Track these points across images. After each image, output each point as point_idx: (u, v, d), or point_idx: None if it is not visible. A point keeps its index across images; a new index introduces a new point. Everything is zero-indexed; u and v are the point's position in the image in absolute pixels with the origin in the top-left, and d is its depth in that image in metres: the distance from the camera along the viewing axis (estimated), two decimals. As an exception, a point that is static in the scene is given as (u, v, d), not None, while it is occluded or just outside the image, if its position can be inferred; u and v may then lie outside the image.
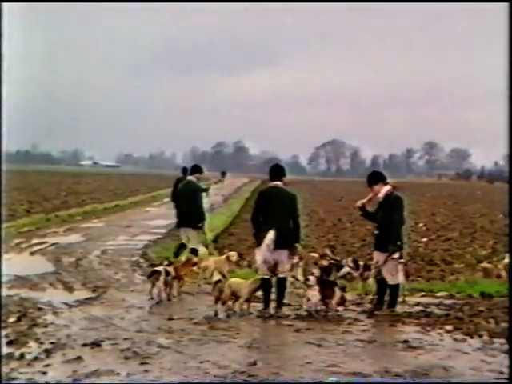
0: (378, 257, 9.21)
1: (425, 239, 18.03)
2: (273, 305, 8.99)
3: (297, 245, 9.22)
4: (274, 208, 9.01)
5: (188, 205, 11.75)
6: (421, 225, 22.14)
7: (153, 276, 9.67)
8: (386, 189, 9.22)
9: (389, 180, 9.44)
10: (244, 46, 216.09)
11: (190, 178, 12.11)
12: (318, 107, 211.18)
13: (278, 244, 8.87)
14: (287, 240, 9.00)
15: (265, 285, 8.93)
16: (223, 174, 26.56)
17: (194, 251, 11.54)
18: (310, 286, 8.75)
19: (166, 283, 9.57)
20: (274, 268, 8.97)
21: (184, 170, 15.33)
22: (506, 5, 8.47)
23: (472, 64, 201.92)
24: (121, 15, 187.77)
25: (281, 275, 9.01)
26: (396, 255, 9.01)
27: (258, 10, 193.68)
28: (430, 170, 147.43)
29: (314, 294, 8.70)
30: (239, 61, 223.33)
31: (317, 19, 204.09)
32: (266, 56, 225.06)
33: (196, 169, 12.21)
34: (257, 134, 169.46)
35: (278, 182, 9.24)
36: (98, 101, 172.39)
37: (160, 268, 9.83)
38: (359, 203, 9.53)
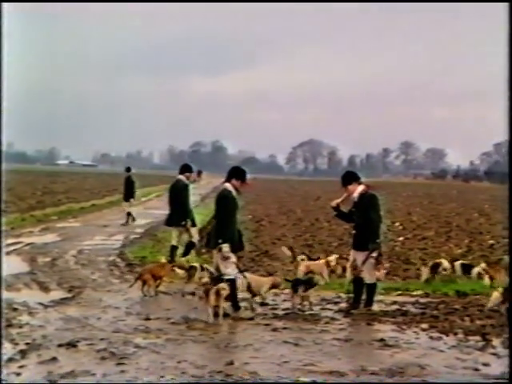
0: (356, 256, 9.25)
1: (401, 238, 18.13)
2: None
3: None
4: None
5: (173, 203, 11.86)
6: (397, 224, 22.27)
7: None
8: (360, 188, 9.25)
9: (366, 179, 9.51)
10: (221, 46, 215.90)
11: (179, 176, 12.14)
12: (295, 107, 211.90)
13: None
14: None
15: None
16: (199, 172, 26.53)
17: (174, 249, 11.52)
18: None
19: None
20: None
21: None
22: (505, 5, 8.55)
23: (448, 63, 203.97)
24: (97, 16, 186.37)
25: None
26: (375, 254, 9.06)
27: (235, 10, 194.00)
28: (407, 170, 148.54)
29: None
30: (217, 61, 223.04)
31: (293, 20, 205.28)
32: (243, 56, 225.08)
33: (186, 168, 12.24)
34: (235, 134, 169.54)
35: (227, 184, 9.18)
36: (75, 100, 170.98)
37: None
38: (334, 203, 9.53)
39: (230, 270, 8.90)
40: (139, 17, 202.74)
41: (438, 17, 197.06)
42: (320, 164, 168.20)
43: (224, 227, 8.97)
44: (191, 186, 12.38)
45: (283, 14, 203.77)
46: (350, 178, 9.42)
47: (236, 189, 9.15)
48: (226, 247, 8.83)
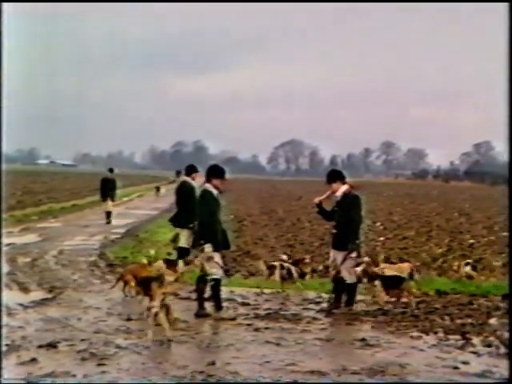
0: (336, 255, 9.28)
1: (382, 238, 18.24)
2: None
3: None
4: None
5: (181, 205, 11.72)
6: (378, 224, 22.41)
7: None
8: (344, 188, 9.33)
9: (347, 179, 9.55)
10: (203, 47, 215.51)
11: (185, 178, 12.01)
12: (277, 107, 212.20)
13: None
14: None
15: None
16: (178, 173, 26.37)
17: (183, 250, 11.17)
18: None
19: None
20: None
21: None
22: (505, 5, 8.61)
23: (430, 62, 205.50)
24: (79, 14, 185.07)
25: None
26: (354, 254, 9.10)
27: (217, 10, 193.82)
28: (388, 170, 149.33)
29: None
30: (198, 61, 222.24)
31: (272, 20, 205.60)
32: (225, 56, 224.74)
33: (192, 169, 12.06)
34: (216, 134, 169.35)
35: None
36: (55, 99, 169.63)
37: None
38: (317, 200, 9.61)
39: (215, 270, 8.89)
40: (121, 15, 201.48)
41: (421, 14, 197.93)
42: (302, 164, 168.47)
43: (206, 227, 8.95)
44: (171, 187, 12.27)
45: (264, 15, 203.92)
46: (335, 176, 9.50)
47: (217, 188, 9.15)
48: (208, 247, 8.80)
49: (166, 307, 7.59)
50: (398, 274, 9.45)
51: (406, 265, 10.25)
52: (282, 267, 10.51)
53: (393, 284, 9.30)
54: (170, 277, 9.11)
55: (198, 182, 11.61)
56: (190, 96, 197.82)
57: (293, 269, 10.50)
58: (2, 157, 11.73)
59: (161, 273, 9.14)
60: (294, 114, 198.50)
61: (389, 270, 9.62)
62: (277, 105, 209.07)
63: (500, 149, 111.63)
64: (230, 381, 6.13)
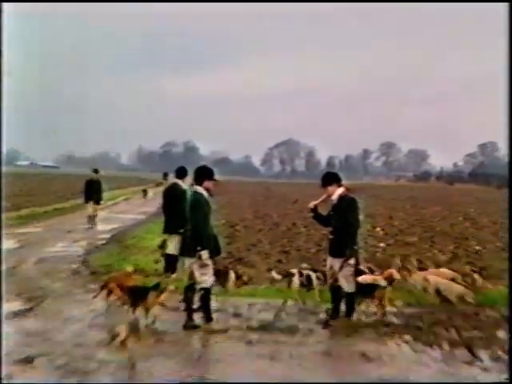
0: (333, 262, 9.16)
1: (382, 244, 18.13)
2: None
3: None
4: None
5: (171, 209, 11.51)
6: (378, 229, 22.30)
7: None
8: (339, 191, 9.22)
9: (345, 182, 9.46)
10: (195, 46, 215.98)
11: (175, 180, 11.86)
12: (272, 106, 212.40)
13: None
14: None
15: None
16: (165, 175, 26.18)
17: (171, 257, 11.05)
18: None
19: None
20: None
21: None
22: (506, 5, 8.63)
23: (431, 62, 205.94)
24: (68, 15, 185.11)
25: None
26: (352, 260, 8.97)
27: (211, 10, 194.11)
28: (388, 172, 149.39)
29: None
30: (189, 60, 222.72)
31: (267, 20, 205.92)
32: (217, 56, 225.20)
33: (183, 171, 11.90)
34: (207, 134, 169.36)
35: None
36: (39, 99, 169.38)
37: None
38: (312, 204, 9.52)
39: (207, 278, 8.76)
40: (111, 16, 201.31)
41: (426, 16, 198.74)
42: (298, 166, 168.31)
43: (200, 233, 8.78)
44: (158, 190, 12.08)
45: (258, 15, 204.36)
46: (330, 178, 9.37)
47: (208, 191, 9.02)
48: (205, 254, 8.66)
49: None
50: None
51: (446, 270, 10.31)
52: (301, 274, 10.22)
53: None
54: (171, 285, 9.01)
55: (186, 184, 11.42)
56: (182, 95, 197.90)
57: (313, 275, 10.19)
58: (1, 157, 11.65)
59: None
60: (290, 113, 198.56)
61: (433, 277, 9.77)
62: (271, 104, 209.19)
63: (506, 150, 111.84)
64: (230, 381, 6.17)
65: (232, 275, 10.37)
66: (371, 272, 9.72)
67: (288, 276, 10.23)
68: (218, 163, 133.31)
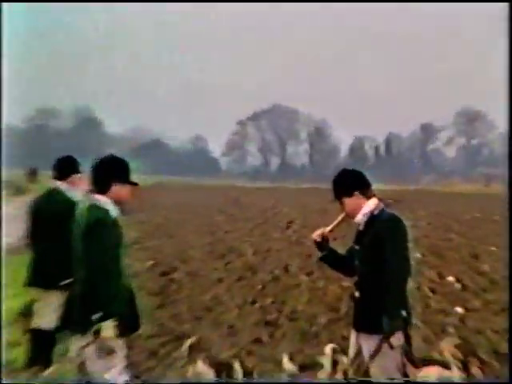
0: (361, 342, 4.81)
1: (460, 309, 9.10)
2: None
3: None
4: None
5: (43, 242, 6.82)
6: (451, 278, 11.40)
7: None
8: (370, 205, 4.83)
9: (382, 187, 5.02)
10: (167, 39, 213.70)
11: (55, 184, 5.90)
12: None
13: None
14: None
15: None
16: (32, 173, 18.95)
17: (41, 335, 6.77)
18: None
19: None
20: None
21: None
22: (505, 5, 9.23)
23: (430, 61, 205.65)
24: (60, 11, 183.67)
25: None
26: (397, 338, 4.50)
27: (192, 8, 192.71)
28: (470, 167, 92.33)
29: None
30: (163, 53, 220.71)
31: (246, 16, 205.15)
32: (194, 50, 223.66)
33: (70, 165, 6.57)
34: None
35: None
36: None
37: None
38: (317, 235, 5.09)
39: (113, 376, 4.51)
40: (96, 13, 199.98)
41: (426, 16, 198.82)
42: (293, 155, 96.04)
43: (101, 288, 4.42)
44: None
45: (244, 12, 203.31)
46: (348, 183, 4.91)
47: (119, 203, 4.74)
48: (108, 328, 4.39)
49: None
50: None
51: None
52: None
53: None
54: None
55: (75, 191, 6.81)
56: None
57: None
58: (1, 157, 11.10)
59: None
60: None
61: None
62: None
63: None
64: (231, 381, 5.73)
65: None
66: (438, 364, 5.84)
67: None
68: (139, 150, 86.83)
